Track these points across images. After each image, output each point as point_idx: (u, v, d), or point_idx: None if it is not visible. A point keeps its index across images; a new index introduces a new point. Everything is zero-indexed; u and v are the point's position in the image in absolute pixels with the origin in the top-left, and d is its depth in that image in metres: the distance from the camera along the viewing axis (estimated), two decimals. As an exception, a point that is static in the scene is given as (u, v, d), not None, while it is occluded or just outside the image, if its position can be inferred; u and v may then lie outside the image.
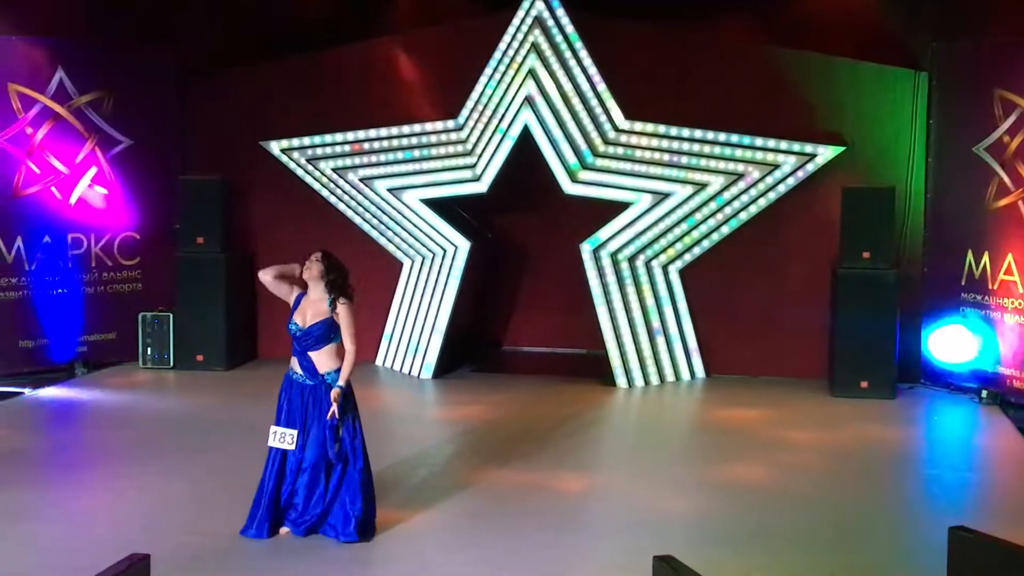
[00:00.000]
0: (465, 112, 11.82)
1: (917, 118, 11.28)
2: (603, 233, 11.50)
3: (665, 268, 11.67)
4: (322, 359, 6.77)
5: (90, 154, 11.98)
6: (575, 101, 11.49)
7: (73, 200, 11.90)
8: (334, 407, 6.67)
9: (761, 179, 11.30)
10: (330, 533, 6.79)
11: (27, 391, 10.97)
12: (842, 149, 11.22)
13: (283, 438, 6.73)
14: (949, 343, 11.04)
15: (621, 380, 11.44)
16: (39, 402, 10.72)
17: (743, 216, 11.47)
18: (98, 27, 11.72)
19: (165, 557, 5.88)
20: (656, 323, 11.61)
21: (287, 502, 6.85)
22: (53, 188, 11.78)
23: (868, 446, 9.26)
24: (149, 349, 12.01)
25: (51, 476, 8.34)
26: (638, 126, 11.46)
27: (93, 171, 12.00)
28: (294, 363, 6.84)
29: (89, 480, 8.23)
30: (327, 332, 6.76)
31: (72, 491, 7.93)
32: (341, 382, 6.72)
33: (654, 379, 11.56)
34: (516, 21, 11.54)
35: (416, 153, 12.00)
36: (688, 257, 11.68)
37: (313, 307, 6.79)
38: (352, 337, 6.78)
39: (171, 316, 11.96)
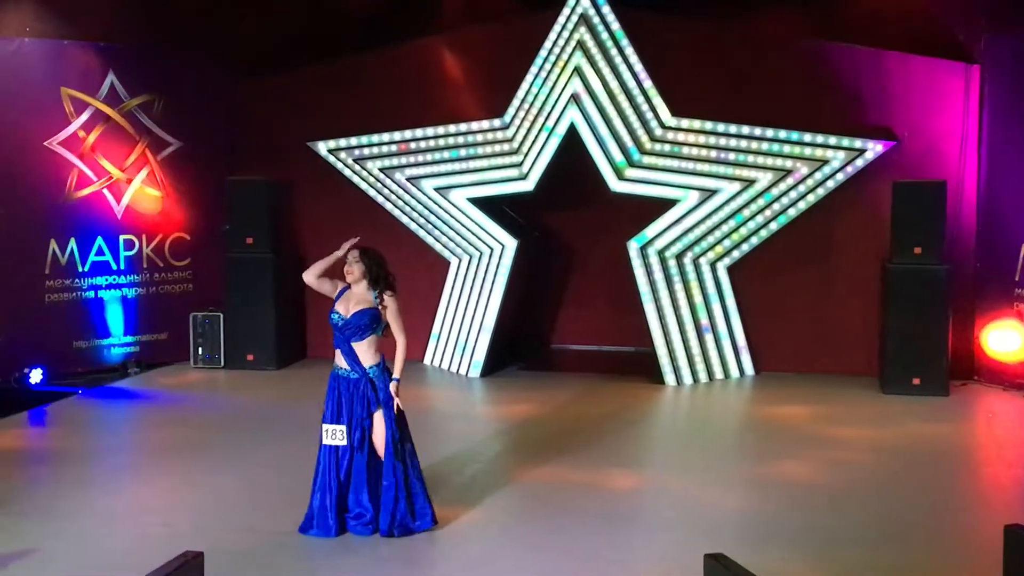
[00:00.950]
0: (511, 111, 11.82)
1: (969, 111, 11.15)
2: (650, 231, 11.47)
3: (713, 265, 11.62)
4: (365, 351, 6.82)
5: (141, 156, 12.13)
6: (621, 98, 11.46)
7: (124, 202, 12.06)
8: (397, 401, 6.75)
9: (810, 175, 11.22)
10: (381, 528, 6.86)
11: (81, 391, 11.13)
12: (892, 144, 11.11)
13: (334, 435, 6.80)
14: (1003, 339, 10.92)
15: (669, 378, 11.40)
16: (93, 402, 10.87)
17: (792, 212, 11.39)
18: (148, 31, 11.87)
19: (218, 554, 5.93)
20: (704, 320, 11.56)
21: (345, 500, 6.90)
22: (105, 190, 11.94)
23: (920, 443, 9.16)
24: (200, 349, 12.13)
25: (105, 474, 8.44)
26: (685, 123, 11.42)
27: (144, 173, 12.15)
28: (339, 358, 6.89)
29: (142, 478, 8.34)
30: (370, 322, 6.80)
31: (126, 489, 8.04)
32: (396, 375, 6.81)
33: (703, 376, 11.52)
34: (561, 19, 11.53)
35: (462, 152, 12.03)
36: (736, 254, 11.61)
37: (356, 298, 6.85)
38: (402, 328, 6.87)
39: (221, 316, 12.07)
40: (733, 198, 11.35)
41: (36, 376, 11.25)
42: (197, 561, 4.25)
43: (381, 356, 6.90)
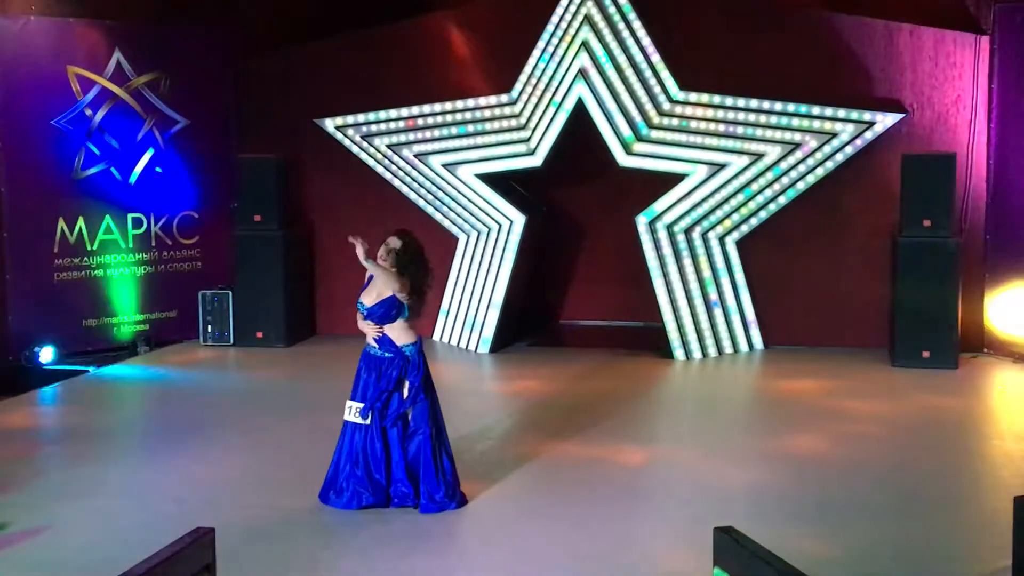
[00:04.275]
0: (519, 86, 11.78)
1: (979, 83, 11.08)
2: (659, 205, 11.44)
3: (722, 240, 11.59)
4: (397, 333, 6.86)
5: (148, 134, 12.12)
6: (629, 73, 11.41)
7: (132, 180, 12.06)
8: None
9: (819, 148, 11.17)
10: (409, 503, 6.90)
11: (91, 369, 11.16)
12: (901, 116, 11.06)
13: (350, 411, 6.84)
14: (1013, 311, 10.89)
15: (679, 352, 11.39)
16: (103, 380, 10.90)
17: (800, 186, 11.35)
18: (154, 8, 11.84)
19: (230, 530, 5.95)
20: (713, 295, 11.54)
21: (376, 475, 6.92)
22: (113, 169, 11.93)
23: (931, 416, 9.15)
24: (209, 327, 12.15)
25: (116, 452, 8.47)
26: (693, 97, 11.37)
27: (151, 151, 12.14)
28: (370, 337, 6.92)
29: (154, 456, 8.37)
30: (388, 310, 6.82)
31: (137, 467, 8.07)
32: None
33: (712, 351, 11.51)
34: (568, -7, 11.49)
35: (470, 128, 11.99)
36: (745, 228, 11.58)
37: (377, 289, 6.87)
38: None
39: (230, 294, 12.08)
40: (742, 172, 11.31)
41: (47, 354, 11.29)
42: (208, 537, 4.26)
43: (418, 337, 6.94)
